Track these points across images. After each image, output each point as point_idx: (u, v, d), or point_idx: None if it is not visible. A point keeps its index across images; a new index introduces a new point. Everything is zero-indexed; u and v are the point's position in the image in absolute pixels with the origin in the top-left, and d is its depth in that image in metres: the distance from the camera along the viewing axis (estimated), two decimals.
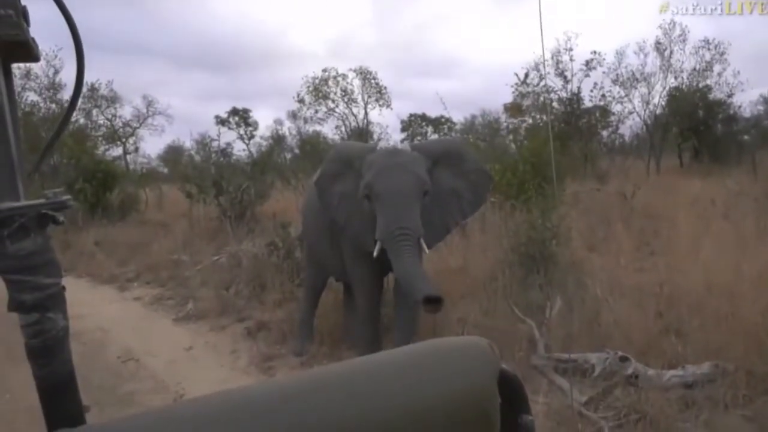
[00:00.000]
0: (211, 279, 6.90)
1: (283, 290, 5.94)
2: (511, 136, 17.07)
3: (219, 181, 10.86)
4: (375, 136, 24.26)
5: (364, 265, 4.06)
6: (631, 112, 20.19)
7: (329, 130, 25.08)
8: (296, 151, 25.05)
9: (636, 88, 20.09)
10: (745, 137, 20.59)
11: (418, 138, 25.33)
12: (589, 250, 6.66)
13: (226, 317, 5.87)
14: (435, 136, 25.72)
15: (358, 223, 3.90)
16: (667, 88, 20.26)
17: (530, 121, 17.73)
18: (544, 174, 8.54)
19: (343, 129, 24.53)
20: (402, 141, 24.65)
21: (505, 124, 20.05)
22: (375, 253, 3.71)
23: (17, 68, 0.77)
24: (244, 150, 25.85)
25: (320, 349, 4.68)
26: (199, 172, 12.35)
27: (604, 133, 19.82)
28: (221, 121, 27.02)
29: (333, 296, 5.45)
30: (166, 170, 25.70)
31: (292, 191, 13.11)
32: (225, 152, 23.90)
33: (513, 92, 18.20)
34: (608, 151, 19.83)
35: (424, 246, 3.75)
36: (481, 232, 7.16)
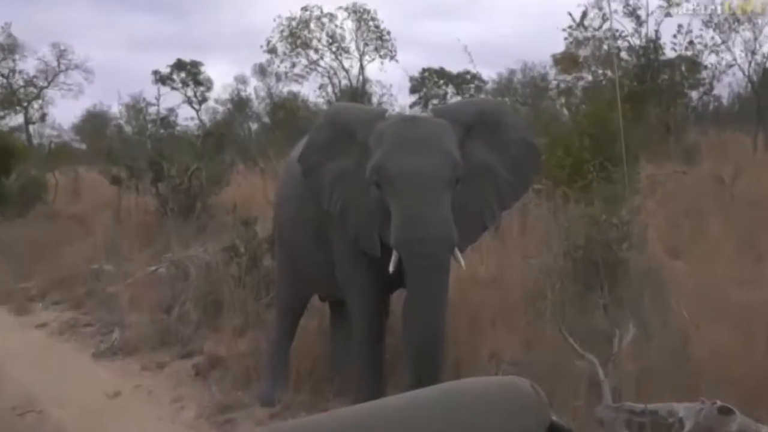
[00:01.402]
0: (146, 297, 6.90)
1: (246, 313, 5.93)
2: (562, 99, 17.14)
3: (158, 161, 10.91)
4: (374, 99, 24.26)
5: (365, 276, 4.03)
6: (730, 66, 20.15)
7: (311, 91, 25.15)
8: (265, 119, 25.13)
9: (737, 32, 20.03)
10: None
11: (434, 102, 25.31)
12: (673, 256, 6.67)
13: (166, 351, 5.90)
14: (457, 99, 25.69)
15: (360, 215, 3.85)
16: None
17: (590, 77, 17.78)
18: (609, 151, 8.52)
19: (330, 89, 24.62)
20: (411, 107, 24.61)
21: (554, 82, 20.11)
22: (391, 268, 3.63)
23: None
24: (192, 118, 26.14)
25: (297, 396, 4.65)
26: (131, 148, 12.39)
27: (693, 94, 19.86)
28: (161, 79, 27.25)
29: (316, 321, 5.44)
30: (83, 146, 25.87)
31: (260, 175, 13.14)
32: (166, 121, 24.11)
33: (566, 39, 18.26)
34: (699, 119, 19.86)
35: (459, 257, 3.73)
36: (520, 231, 7.14)
